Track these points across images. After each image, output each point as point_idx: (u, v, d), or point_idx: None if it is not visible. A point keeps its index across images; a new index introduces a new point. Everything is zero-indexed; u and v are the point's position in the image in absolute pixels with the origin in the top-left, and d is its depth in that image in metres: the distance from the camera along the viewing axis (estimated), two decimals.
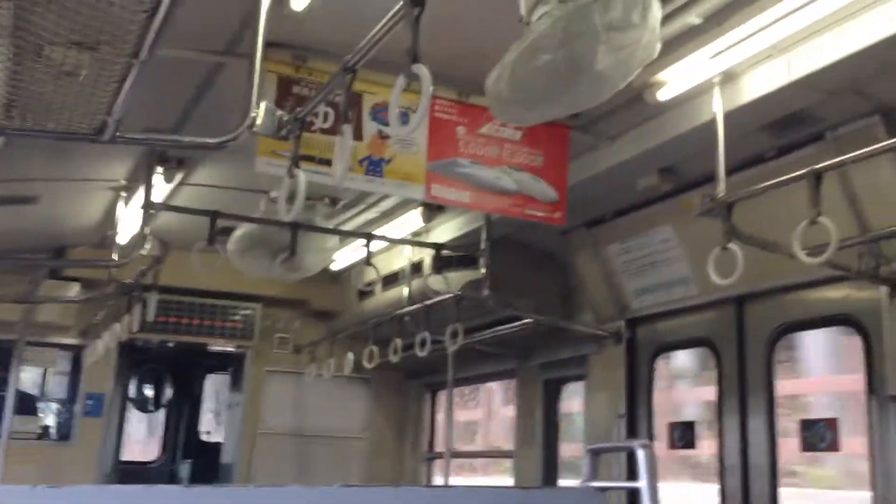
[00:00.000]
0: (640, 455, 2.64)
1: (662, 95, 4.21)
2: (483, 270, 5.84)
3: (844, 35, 3.53)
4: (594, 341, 6.67)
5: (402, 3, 2.67)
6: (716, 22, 3.66)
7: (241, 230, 5.45)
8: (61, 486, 1.53)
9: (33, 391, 8.92)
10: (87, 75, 2.76)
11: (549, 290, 7.00)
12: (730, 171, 4.13)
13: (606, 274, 6.28)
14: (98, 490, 1.59)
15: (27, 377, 8.61)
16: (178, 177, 5.72)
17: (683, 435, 5.99)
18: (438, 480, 9.16)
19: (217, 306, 8.66)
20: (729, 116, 4.09)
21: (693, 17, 3.62)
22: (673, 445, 6.03)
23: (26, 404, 8.48)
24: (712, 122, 4.12)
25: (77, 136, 3.10)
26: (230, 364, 10.03)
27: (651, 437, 6.18)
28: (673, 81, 4.13)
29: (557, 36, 3.09)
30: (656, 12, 3.08)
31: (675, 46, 3.79)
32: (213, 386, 11.69)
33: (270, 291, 8.44)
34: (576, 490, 2.45)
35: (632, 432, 6.24)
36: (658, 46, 3.12)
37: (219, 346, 9.00)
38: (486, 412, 9.64)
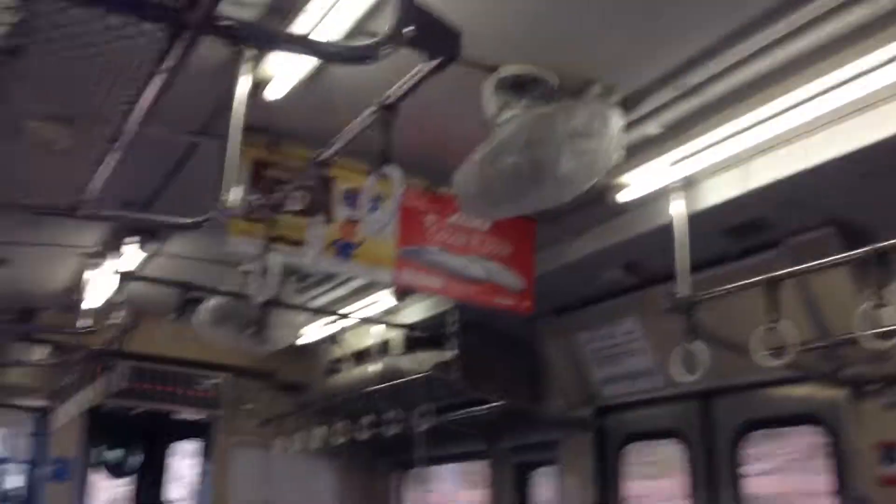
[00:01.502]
0: None
1: (623, 197, 4.34)
2: (452, 352, 5.87)
3: (800, 150, 3.68)
4: (564, 427, 6.67)
5: (374, 108, 2.77)
6: (674, 133, 3.81)
7: (212, 302, 5.48)
8: None
9: None
10: (63, 149, 2.83)
11: (518, 374, 7.01)
12: (694, 268, 4.23)
13: (575, 361, 6.32)
14: None
15: None
16: (151, 248, 5.76)
17: None
18: None
19: (186, 375, 8.59)
20: (689, 219, 4.22)
21: (652, 128, 3.77)
22: None
23: None
24: (670, 225, 4.25)
25: (53, 212, 3.15)
26: (198, 433, 9.89)
27: None
28: (634, 185, 4.26)
29: (522, 140, 3.23)
30: (617, 121, 3.23)
31: (637, 152, 3.92)
32: (183, 454, 11.49)
33: (239, 362, 8.40)
34: None
35: None
36: (620, 153, 3.26)
37: (187, 414, 8.89)
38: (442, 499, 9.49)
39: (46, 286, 7.06)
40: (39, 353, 7.62)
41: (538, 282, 4.95)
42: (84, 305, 6.32)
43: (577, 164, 3.24)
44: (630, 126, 3.62)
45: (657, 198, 4.33)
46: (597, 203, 4.47)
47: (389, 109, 2.80)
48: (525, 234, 4.87)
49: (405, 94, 2.74)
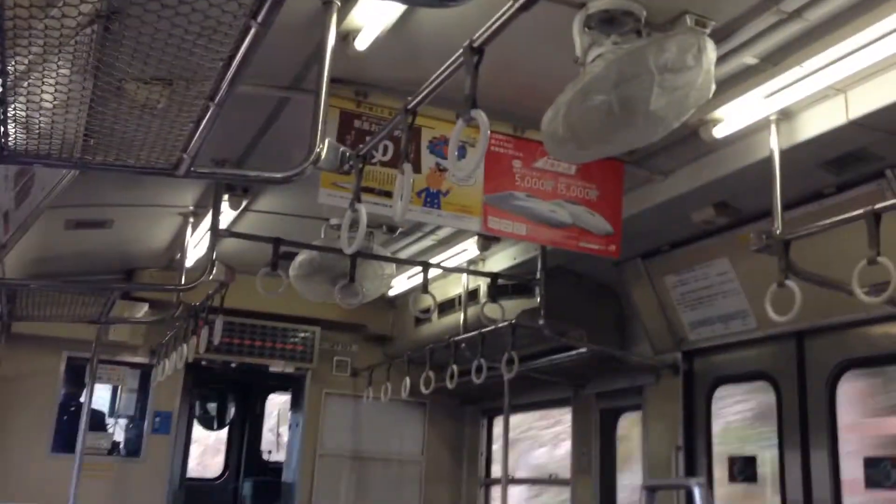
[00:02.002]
0: (697, 493, 2.63)
1: (718, 133, 4.23)
2: (538, 299, 5.89)
3: None
4: (650, 372, 6.65)
5: (461, 50, 2.76)
6: (771, 62, 3.68)
7: (303, 256, 5.62)
8: None
9: (104, 408, 9.26)
10: (163, 110, 2.91)
11: (604, 320, 7.00)
12: (787, 207, 4.12)
13: (662, 305, 6.26)
14: None
15: (99, 395, 8.92)
16: (244, 204, 5.93)
17: (744, 468, 5.92)
18: None
19: (278, 329, 8.88)
20: (786, 154, 4.09)
21: (748, 58, 3.65)
22: (733, 479, 5.96)
23: (98, 421, 8.81)
24: (769, 160, 4.13)
25: (154, 171, 3.25)
26: (290, 385, 10.24)
27: (710, 470, 6.12)
28: (729, 119, 4.15)
29: (611, 78, 3.16)
30: (711, 54, 3.14)
31: (731, 85, 3.82)
32: (275, 406, 11.92)
33: (329, 315, 8.62)
34: None
35: (690, 465, 6.18)
36: (713, 87, 3.17)
37: (279, 367, 9.21)
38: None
39: (147, 245, 7.37)
40: (140, 311, 7.99)
41: (626, 224, 4.90)
42: (182, 263, 6.59)
43: (668, 101, 3.16)
44: (723, 58, 3.52)
45: (752, 132, 4.22)
46: (689, 140, 4.39)
47: (476, 52, 2.78)
48: (613, 175, 4.82)
49: (492, 36, 2.72)
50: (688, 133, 4.25)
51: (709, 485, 6.02)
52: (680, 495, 5.88)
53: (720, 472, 6.10)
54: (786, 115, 4.04)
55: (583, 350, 6.70)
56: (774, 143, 4.11)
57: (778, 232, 4.00)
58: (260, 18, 2.31)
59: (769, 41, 3.55)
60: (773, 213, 4.06)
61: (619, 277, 6.48)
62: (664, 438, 6.43)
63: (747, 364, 5.97)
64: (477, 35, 2.73)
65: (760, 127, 4.14)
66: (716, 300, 5.83)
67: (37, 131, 2.80)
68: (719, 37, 3.44)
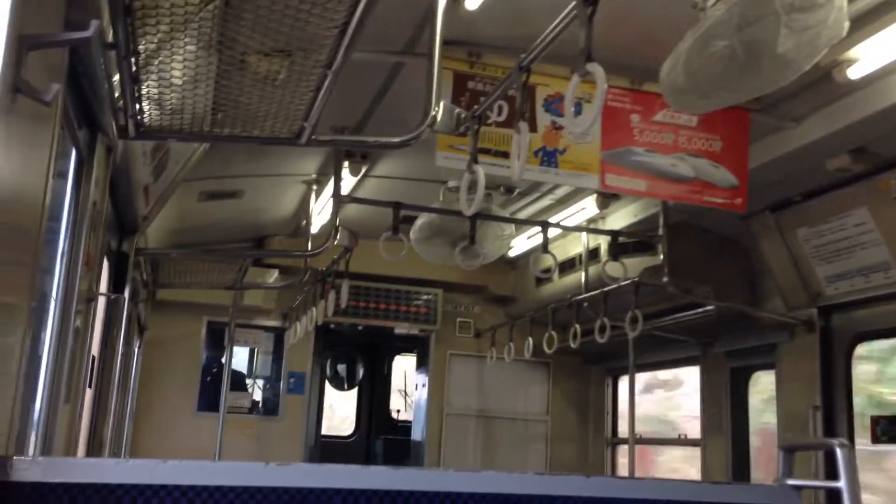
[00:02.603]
0: (840, 455, 2.52)
1: (853, 74, 3.97)
2: (661, 256, 5.76)
3: None
4: (784, 329, 6.40)
5: (574, 3, 2.71)
6: None
7: (422, 219, 5.70)
8: (289, 464, 1.75)
9: (243, 370, 9.80)
10: (284, 81, 3.00)
11: (732, 276, 6.77)
12: None
13: (795, 259, 5.99)
14: (322, 469, 1.81)
15: (237, 357, 9.44)
16: (363, 170, 6.06)
17: (889, 429, 5.63)
18: (623, 465, 9.14)
19: (401, 292, 9.09)
20: None
21: None
22: (876, 440, 5.69)
23: (238, 381, 9.34)
24: None
25: (278, 141, 3.36)
26: (416, 346, 10.49)
27: (851, 431, 5.87)
28: (864, 59, 3.88)
29: (734, 21, 3.01)
30: None
31: (866, 22, 3.57)
32: (401, 366, 12.24)
33: (451, 278, 8.74)
34: (770, 488, 2.41)
35: (829, 426, 5.94)
36: (846, 25, 2.97)
37: (404, 329, 9.44)
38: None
39: (275, 214, 7.68)
40: (271, 277, 8.36)
41: (752, 176, 4.70)
42: (308, 230, 6.83)
43: (797, 42, 2.99)
44: None
45: (890, 72, 3.93)
46: (821, 84, 4.14)
47: (591, 4, 2.71)
48: (738, 125, 4.62)
49: None
50: (820, 76, 4.00)
51: (851, 445, 5.78)
52: (819, 457, 5.66)
53: (862, 432, 5.84)
54: None
55: (710, 307, 6.52)
56: None
57: None
58: None
59: None
60: None
61: (747, 231, 6.24)
62: (800, 398, 6.19)
63: (892, 318, 5.64)
64: None
65: None
66: (854, 252, 5.52)
67: (169, 107, 2.95)
68: None
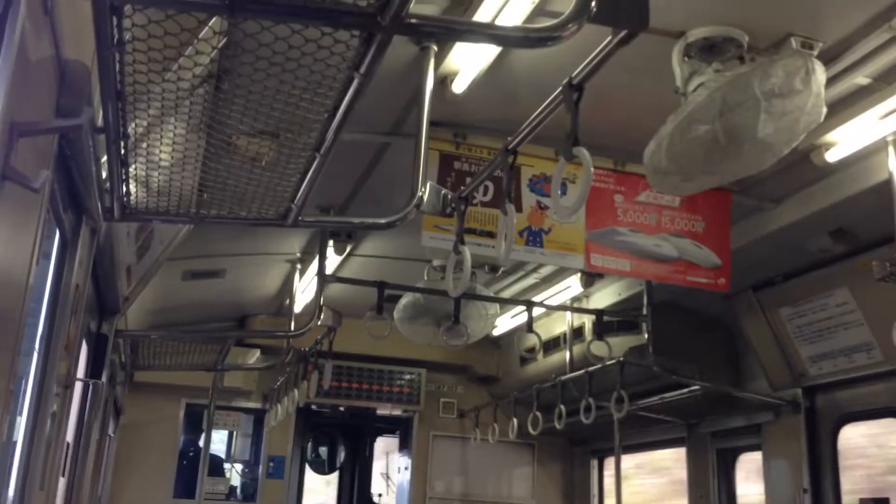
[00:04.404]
0: None
1: (831, 157, 4.06)
2: (646, 336, 5.75)
3: None
4: (769, 410, 6.36)
5: (560, 88, 2.75)
6: (885, 81, 3.52)
7: (407, 299, 5.68)
8: None
9: (221, 453, 9.53)
10: (271, 163, 3.01)
11: (716, 355, 6.76)
12: None
13: (778, 339, 6.00)
14: None
15: (215, 440, 9.19)
16: (348, 249, 6.06)
17: None
18: None
19: (385, 372, 8.98)
20: None
21: (860, 78, 3.50)
22: None
23: (215, 466, 9.07)
24: (888, 182, 3.93)
25: (265, 222, 3.35)
26: (398, 427, 10.30)
27: None
28: (843, 142, 3.98)
29: (715, 106, 3.09)
30: (820, 76, 3.03)
31: (843, 107, 3.67)
32: (383, 448, 11.97)
33: (435, 357, 8.65)
34: None
35: None
36: (824, 110, 3.05)
37: (387, 409, 9.28)
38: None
39: (258, 293, 7.62)
40: (252, 357, 8.23)
41: (735, 256, 4.74)
42: (291, 309, 6.77)
43: (777, 127, 3.06)
44: (833, 79, 3.39)
45: (868, 155, 4.03)
46: (800, 166, 4.22)
47: (576, 89, 2.76)
48: (720, 206, 4.69)
49: (591, 72, 2.69)
50: (799, 159, 4.09)
51: None
52: None
53: None
54: None
55: (695, 387, 6.48)
56: (893, 166, 3.91)
57: None
58: (362, 69, 2.36)
59: (881, 60, 3.40)
60: (895, 238, 3.84)
61: (730, 311, 6.26)
62: (788, 479, 6.11)
63: (876, 399, 5.63)
64: (576, 72, 2.72)
65: (877, 149, 3.96)
66: (837, 332, 5.55)
67: (156, 188, 2.94)
68: (828, 58, 3.32)
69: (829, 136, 3.95)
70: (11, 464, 2.57)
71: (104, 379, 4.61)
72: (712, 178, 3.42)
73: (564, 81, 2.74)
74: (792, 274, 5.65)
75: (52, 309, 2.82)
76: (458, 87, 3.87)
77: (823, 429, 5.99)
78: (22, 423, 2.67)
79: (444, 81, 3.82)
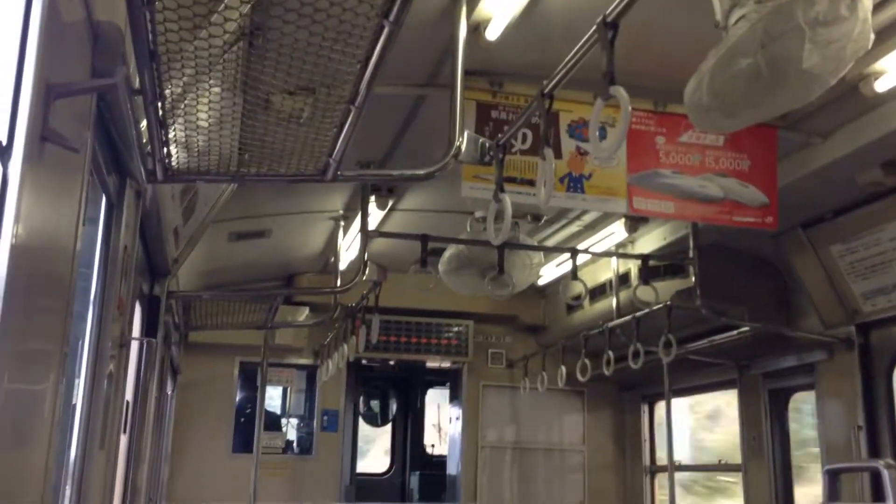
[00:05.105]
0: (886, 476, 2.43)
1: (881, 86, 3.92)
2: (693, 279, 5.68)
3: None
4: (822, 348, 6.27)
5: (595, 26, 2.70)
6: None
7: (451, 251, 5.69)
8: None
9: (276, 409, 9.76)
10: (308, 118, 3.02)
11: (765, 295, 6.66)
12: None
13: (830, 276, 5.88)
14: None
15: (271, 396, 9.41)
16: (390, 203, 6.08)
17: None
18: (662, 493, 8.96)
19: (432, 325, 9.06)
20: None
21: None
22: None
23: (271, 421, 9.30)
24: None
25: (304, 178, 3.37)
26: (448, 379, 10.41)
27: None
28: (892, 70, 3.84)
29: (757, 38, 2.98)
30: (867, 1, 2.91)
31: (893, 33, 3.53)
32: (434, 400, 12.15)
33: (481, 308, 8.69)
34: None
35: (873, 446, 5.78)
36: (872, 37, 2.94)
37: (436, 362, 9.38)
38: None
39: (303, 251, 7.71)
40: (302, 315, 8.36)
41: (782, 194, 4.64)
42: (336, 266, 6.84)
43: (822, 56, 2.95)
44: (881, 5, 3.25)
45: None
46: (848, 97, 4.09)
47: (611, 27, 2.70)
48: (765, 142, 4.57)
49: (626, 8, 2.63)
50: (846, 90, 3.96)
51: None
52: (864, 478, 5.50)
53: None
54: None
55: (745, 329, 6.41)
56: None
57: None
58: (392, 17, 2.34)
59: None
60: None
61: (779, 250, 6.15)
62: (842, 418, 6.04)
63: None
64: (610, 10, 2.66)
65: None
66: (891, 267, 5.42)
67: (196, 149, 2.97)
68: None
69: (878, 65, 3.82)
70: (72, 424, 2.67)
71: (158, 338, 4.73)
72: (757, 112, 3.31)
73: (598, 20, 2.68)
74: (842, 210, 5.51)
75: (104, 272, 2.89)
76: (492, 33, 3.82)
77: (878, 366, 5.89)
78: (81, 384, 2.76)
79: (477, 29, 3.77)
